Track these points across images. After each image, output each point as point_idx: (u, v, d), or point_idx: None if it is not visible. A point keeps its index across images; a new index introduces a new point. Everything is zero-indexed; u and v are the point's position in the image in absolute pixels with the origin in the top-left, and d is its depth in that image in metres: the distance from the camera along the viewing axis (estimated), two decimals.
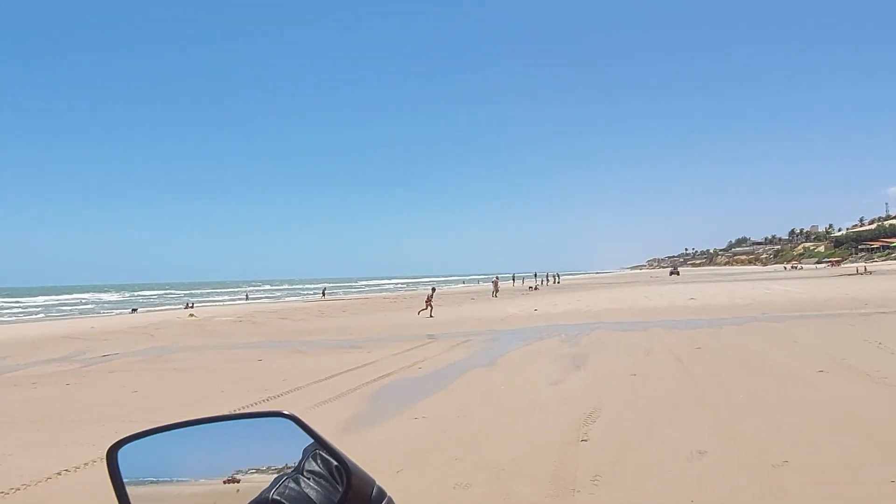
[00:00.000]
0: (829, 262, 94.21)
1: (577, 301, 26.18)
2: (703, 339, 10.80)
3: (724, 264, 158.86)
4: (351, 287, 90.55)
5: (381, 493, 0.85)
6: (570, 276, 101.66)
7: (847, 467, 3.78)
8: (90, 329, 22.56)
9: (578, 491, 3.61)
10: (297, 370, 9.45)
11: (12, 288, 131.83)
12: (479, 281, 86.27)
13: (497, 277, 42.78)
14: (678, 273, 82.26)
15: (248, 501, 0.78)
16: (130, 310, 43.66)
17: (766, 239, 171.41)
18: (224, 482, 0.86)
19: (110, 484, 0.86)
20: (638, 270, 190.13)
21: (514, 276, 66.96)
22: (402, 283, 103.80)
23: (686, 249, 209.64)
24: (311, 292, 66.57)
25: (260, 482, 0.83)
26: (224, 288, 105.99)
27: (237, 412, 1.02)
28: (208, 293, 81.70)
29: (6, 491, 4.12)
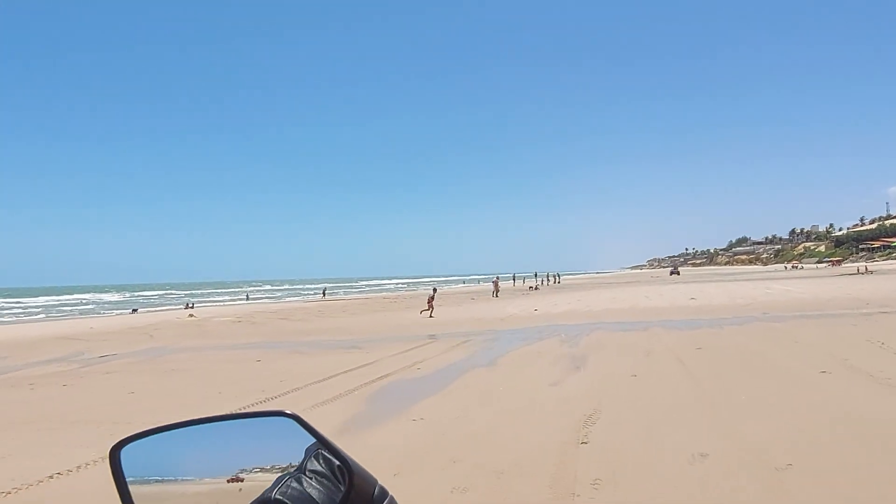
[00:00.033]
0: (830, 261, 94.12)
1: (578, 301, 26.12)
2: (704, 339, 10.74)
3: (725, 264, 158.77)
4: (351, 287, 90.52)
5: (384, 493, 0.84)
6: (571, 276, 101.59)
7: (852, 470, 3.72)
8: (89, 329, 22.51)
9: (578, 495, 3.55)
10: (295, 371, 9.39)
11: (13, 288, 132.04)
12: (479, 281, 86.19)
13: (497, 277, 42.72)
14: (678, 273, 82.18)
15: (251, 501, 0.78)
16: (131, 310, 43.62)
17: (766, 238, 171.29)
18: (228, 481, 0.86)
19: (113, 483, 0.85)
20: (638, 270, 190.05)
21: (514, 276, 66.89)
22: (402, 284, 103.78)
23: (686, 249, 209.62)
24: (312, 292, 66.54)
25: (263, 481, 0.82)
26: (225, 288, 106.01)
27: (239, 412, 0.98)
28: (209, 293, 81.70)
29: None
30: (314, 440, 0.86)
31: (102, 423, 6.19)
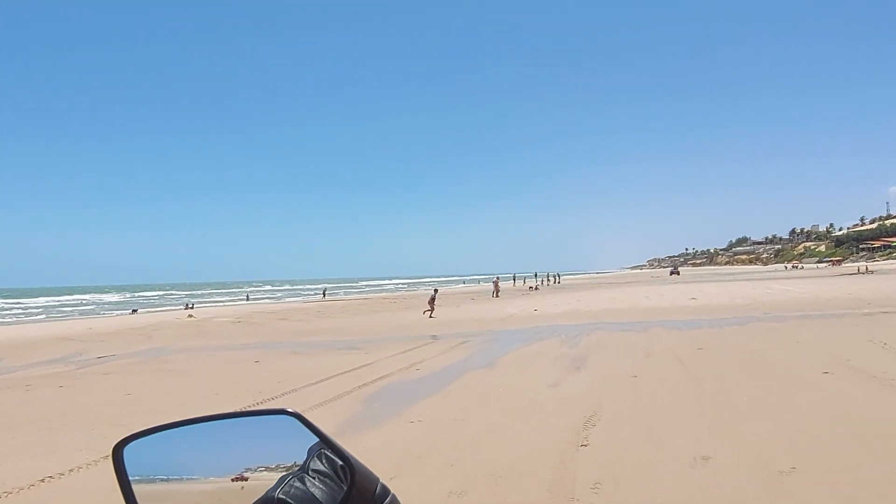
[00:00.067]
0: (830, 261, 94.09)
1: (578, 301, 26.05)
2: (705, 339, 10.67)
3: (725, 264, 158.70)
4: (352, 287, 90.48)
5: (385, 491, 0.84)
6: (571, 276, 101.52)
7: (855, 472, 3.66)
8: (88, 330, 22.47)
9: (578, 499, 3.48)
10: (293, 372, 9.33)
11: (13, 289, 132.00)
12: (479, 281, 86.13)
13: (498, 278, 42.71)
14: (678, 273, 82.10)
15: (254, 500, 0.78)
16: (131, 310, 43.61)
17: (766, 238, 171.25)
18: (232, 480, 0.86)
19: (116, 482, 0.84)
20: (638, 270, 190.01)
21: (514, 277, 66.83)
22: (402, 284, 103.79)
23: (686, 249, 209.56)
24: (312, 293, 66.50)
25: (266, 480, 0.82)
26: (225, 288, 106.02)
27: (241, 410, 1.04)
28: (209, 294, 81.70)
29: None
30: (316, 439, 0.86)
31: (98, 425, 6.13)
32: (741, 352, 9.01)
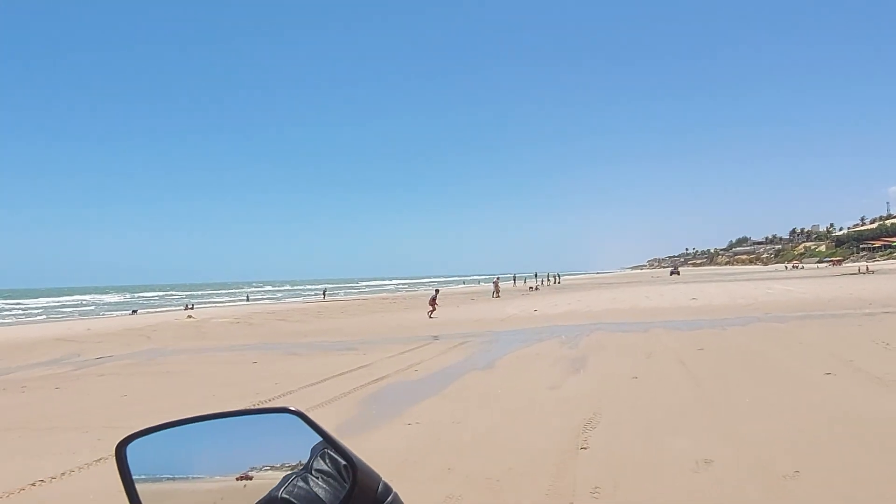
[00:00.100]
0: (831, 261, 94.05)
1: (578, 301, 25.98)
2: (706, 340, 10.60)
3: (725, 264, 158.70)
4: (352, 288, 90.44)
5: (387, 490, 0.84)
6: (571, 277, 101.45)
7: (862, 478, 3.58)
8: (87, 331, 22.41)
9: None
10: (291, 373, 9.25)
11: (13, 290, 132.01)
12: (479, 281, 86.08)
13: (498, 278, 42.72)
14: (679, 273, 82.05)
15: (257, 499, 0.78)
16: (130, 311, 43.58)
17: (766, 238, 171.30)
18: (237, 479, 0.85)
19: (119, 480, 0.84)
20: (638, 270, 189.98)
21: (514, 277, 66.76)
22: (402, 284, 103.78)
23: (686, 249, 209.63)
24: (313, 293, 66.46)
25: (270, 479, 0.82)
26: (226, 289, 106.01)
27: (244, 408, 0.98)
28: (209, 294, 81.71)
29: None
30: (320, 438, 0.86)
31: (93, 428, 6.05)
32: (742, 352, 8.93)
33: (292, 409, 0.89)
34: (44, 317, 41.64)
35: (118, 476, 0.85)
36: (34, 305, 59.67)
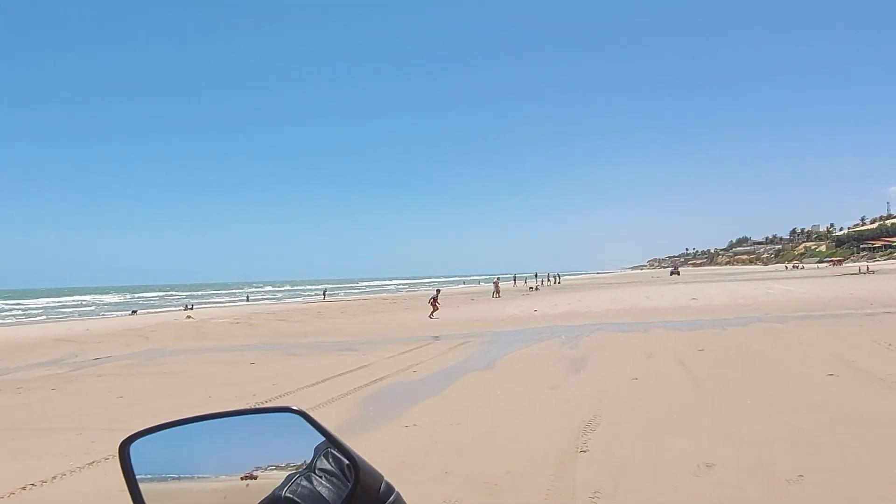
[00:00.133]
0: (831, 261, 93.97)
1: (578, 301, 25.92)
2: (706, 340, 10.54)
3: (725, 264, 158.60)
4: (352, 288, 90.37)
5: (390, 489, 0.84)
6: (571, 277, 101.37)
7: (868, 482, 3.52)
8: (86, 331, 22.35)
9: None
10: (289, 374, 9.20)
11: (14, 290, 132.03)
12: (479, 282, 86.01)
13: (498, 278, 42.70)
14: (679, 273, 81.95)
15: (261, 499, 0.78)
16: (130, 311, 43.53)
17: (766, 238, 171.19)
18: (241, 478, 0.85)
19: (123, 480, 0.84)
20: (639, 270, 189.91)
21: (514, 277, 66.71)
22: (402, 284, 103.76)
23: (687, 249, 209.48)
24: (313, 293, 66.40)
25: (274, 479, 0.82)
26: (226, 289, 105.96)
27: (246, 408, 1.04)
28: (210, 294, 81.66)
29: None
30: (322, 437, 0.86)
31: (87, 430, 5.99)
32: (743, 353, 8.87)
33: (295, 408, 0.89)
34: (44, 317, 41.57)
35: (121, 476, 0.85)
36: (34, 306, 59.62)
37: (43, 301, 68.78)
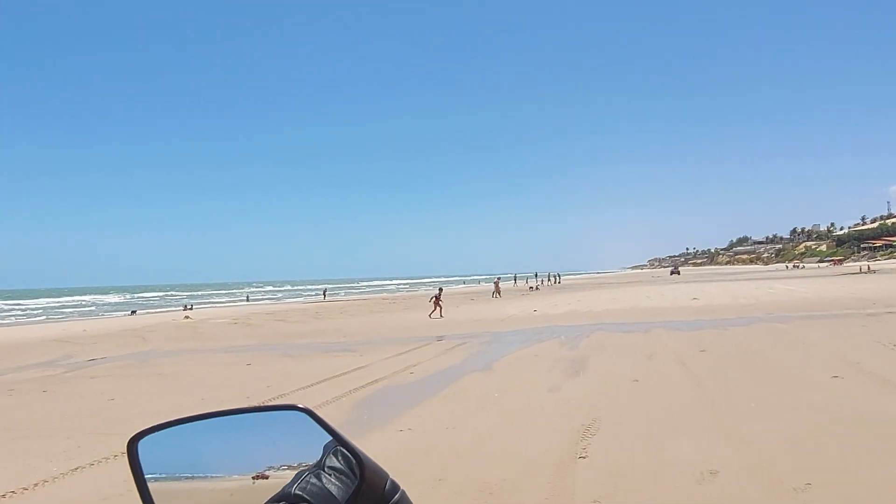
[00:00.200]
0: (832, 261, 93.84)
1: (578, 301, 25.79)
2: (708, 340, 10.41)
3: (726, 263, 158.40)
4: (352, 288, 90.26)
5: (395, 487, 0.84)
6: (571, 277, 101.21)
7: (876, 488, 3.39)
8: (83, 332, 22.22)
9: None
10: (285, 375, 9.08)
11: (14, 290, 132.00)
12: (479, 282, 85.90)
13: (498, 278, 42.62)
14: (679, 273, 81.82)
15: (270, 496, 0.77)
16: (130, 311, 43.43)
17: (767, 238, 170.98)
18: (253, 478, 0.85)
19: (131, 477, 0.83)
20: (639, 270, 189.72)
21: (515, 277, 66.59)
22: (403, 284, 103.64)
23: (687, 249, 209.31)
24: (313, 293, 66.29)
25: (281, 476, 0.82)
26: (226, 289, 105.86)
27: (253, 405, 1.00)
28: (210, 294, 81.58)
29: None
30: (327, 435, 0.86)
31: (76, 434, 5.86)
32: (745, 354, 8.74)
33: (301, 406, 0.88)
34: (43, 317, 41.44)
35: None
36: (34, 306, 59.51)
37: (43, 301, 68.68)
